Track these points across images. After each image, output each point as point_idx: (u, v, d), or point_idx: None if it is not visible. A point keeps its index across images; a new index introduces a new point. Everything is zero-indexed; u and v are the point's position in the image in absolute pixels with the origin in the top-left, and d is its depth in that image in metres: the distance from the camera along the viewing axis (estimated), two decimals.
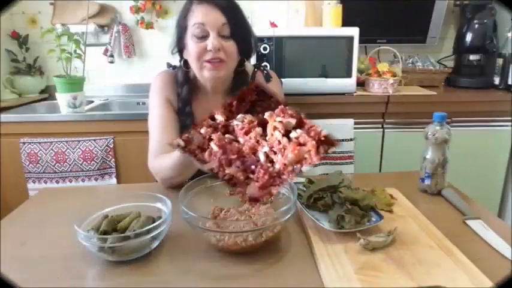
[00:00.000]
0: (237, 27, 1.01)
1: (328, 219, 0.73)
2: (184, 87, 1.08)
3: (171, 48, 1.09)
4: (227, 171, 0.64)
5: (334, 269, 0.60)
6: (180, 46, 1.06)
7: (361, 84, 1.86)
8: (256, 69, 1.15)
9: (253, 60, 1.68)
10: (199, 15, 0.97)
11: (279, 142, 0.63)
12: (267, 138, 0.65)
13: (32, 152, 1.68)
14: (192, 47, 0.99)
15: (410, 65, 2.06)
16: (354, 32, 1.68)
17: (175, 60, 1.13)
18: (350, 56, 1.70)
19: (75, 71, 1.91)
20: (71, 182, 1.73)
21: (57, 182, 1.73)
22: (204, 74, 1.01)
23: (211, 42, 0.96)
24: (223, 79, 1.06)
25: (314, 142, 0.59)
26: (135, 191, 0.95)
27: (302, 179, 0.91)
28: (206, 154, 0.66)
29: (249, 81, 1.12)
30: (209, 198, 0.79)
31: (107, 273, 0.63)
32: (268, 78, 1.13)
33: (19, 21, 2.15)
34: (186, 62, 1.07)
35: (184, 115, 1.08)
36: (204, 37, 0.97)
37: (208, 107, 1.11)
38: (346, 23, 1.79)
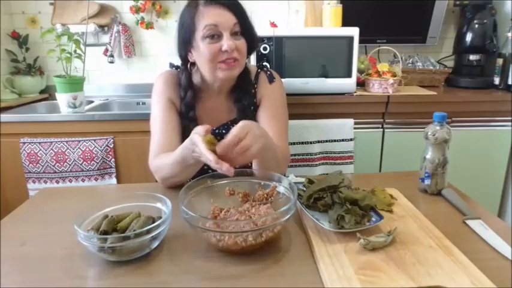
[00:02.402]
0: (246, 25, 1.02)
1: (328, 219, 0.73)
2: (188, 92, 1.07)
3: (178, 53, 1.07)
4: None
5: (334, 269, 0.60)
6: (186, 49, 1.04)
7: (361, 84, 1.85)
8: (259, 70, 1.15)
9: (253, 60, 1.69)
10: (211, 16, 0.96)
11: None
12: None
13: (32, 152, 1.68)
14: (205, 49, 0.97)
15: (410, 65, 2.06)
16: (354, 32, 1.68)
17: (177, 60, 1.13)
18: (350, 56, 1.70)
19: (75, 71, 1.91)
20: (71, 182, 1.73)
21: (57, 182, 1.73)
22: (218, 75, 1.01)
23: (226, 43, 0.96)
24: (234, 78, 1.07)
25: None
26: (135, 191, 0.95)
27: (302, 179, 0.91)
28: None
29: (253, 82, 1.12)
30: (209, 198, 0.79)
31: (107, 273, 0.63)
32: (271, 78, 1.14)
33: (19, 21, 2.15)
34: (190, 65, 1.07)
35: (187, 119, 1.08)
36: (216, 38, 0.97)
37: (212, 107, 1.11)
38: (346, 23, 1.79)
